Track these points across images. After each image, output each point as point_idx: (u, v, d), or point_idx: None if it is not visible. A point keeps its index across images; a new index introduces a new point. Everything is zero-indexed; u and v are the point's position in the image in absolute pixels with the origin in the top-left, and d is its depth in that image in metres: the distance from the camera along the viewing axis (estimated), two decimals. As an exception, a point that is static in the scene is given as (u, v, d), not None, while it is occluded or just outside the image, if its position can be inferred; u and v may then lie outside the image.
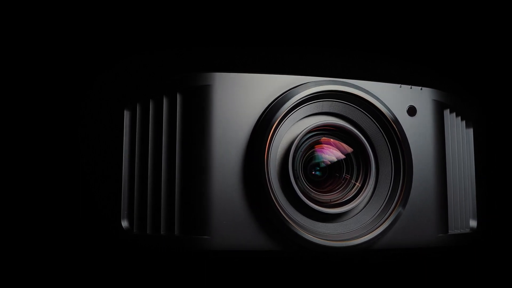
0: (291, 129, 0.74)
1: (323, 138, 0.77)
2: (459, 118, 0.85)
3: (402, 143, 0.76)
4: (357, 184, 0.76)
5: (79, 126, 0.81)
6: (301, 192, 0.72)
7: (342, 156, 0.77)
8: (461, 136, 0.85)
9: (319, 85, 0.74)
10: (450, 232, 0.79)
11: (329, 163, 0.77)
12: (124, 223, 0.74)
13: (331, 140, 0.77)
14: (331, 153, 0.77)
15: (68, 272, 0.77)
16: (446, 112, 0.82)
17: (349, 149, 0.77)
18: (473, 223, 0.85)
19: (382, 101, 0.76)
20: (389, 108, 0.77)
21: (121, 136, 0.75)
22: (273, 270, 0.78)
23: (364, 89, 0.76)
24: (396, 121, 0.76)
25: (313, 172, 0.77)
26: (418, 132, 0.78)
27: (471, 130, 0.87)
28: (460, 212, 0.82)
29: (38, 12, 0.84)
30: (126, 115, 0.76)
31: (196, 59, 0.85)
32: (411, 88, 0.79)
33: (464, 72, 0.95)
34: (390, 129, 0.76)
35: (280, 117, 0.72)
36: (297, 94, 0.73)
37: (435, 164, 0.78)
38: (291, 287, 0.77)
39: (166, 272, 0.77)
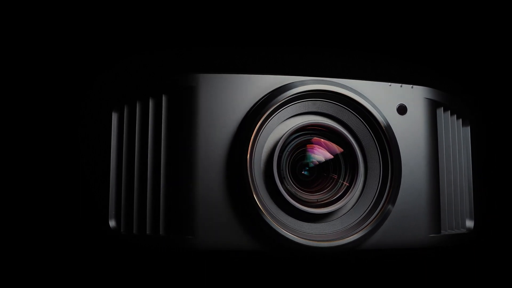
0: (277, 129, 0.74)
1: (314, 138, 0.76)
2: (455, 116, 0.83)
3: (391, 142, 0.75)
4: (345, 183, 0.75)
5: (71, 127, 0.82)
6: (286, 192, 0.72)
7: (331, 157, 0.76)
8: (456, 135, 0.83)
9: (305, 85, 0.74)
10: (443, 232, 0.78)
11: (318, 163, 0.76)
12: (112, 223, 0.75)
13: (322, 140, 0.76)
14: (320, 153, 0.76)
15: (56, 271, 0.78)
16: (440, 110, 0.80)
17: (339, 150, 0.76)
18: (469, 223, 0.83)
19: (369, 100, 0.76)
20: (377, 107, 0.76)
21: (109, 138, 0.76)
22: (257, 271, 0.78)
23: (351, 88, 0.76)
24: (384, 120, 0.75)
25: (302, 172, 0.76)
26: (408, 130, 0.77)
27: (468, 129, 0.85)
28: (455, 212, 0.81)
29: (38, 12, 0.85)
30: (114, 116, 0.77)
31: (181, 60, 0.85)
32: (401, 86, 0.78)
33: (463, 71, 0.93)
34: (378, 128, 0.75)
35: (264, 117, 0.72)
36: (282, 94, 0.73)
37: (426, 163, 0.77)
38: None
39: (152, 272, 0.78)
